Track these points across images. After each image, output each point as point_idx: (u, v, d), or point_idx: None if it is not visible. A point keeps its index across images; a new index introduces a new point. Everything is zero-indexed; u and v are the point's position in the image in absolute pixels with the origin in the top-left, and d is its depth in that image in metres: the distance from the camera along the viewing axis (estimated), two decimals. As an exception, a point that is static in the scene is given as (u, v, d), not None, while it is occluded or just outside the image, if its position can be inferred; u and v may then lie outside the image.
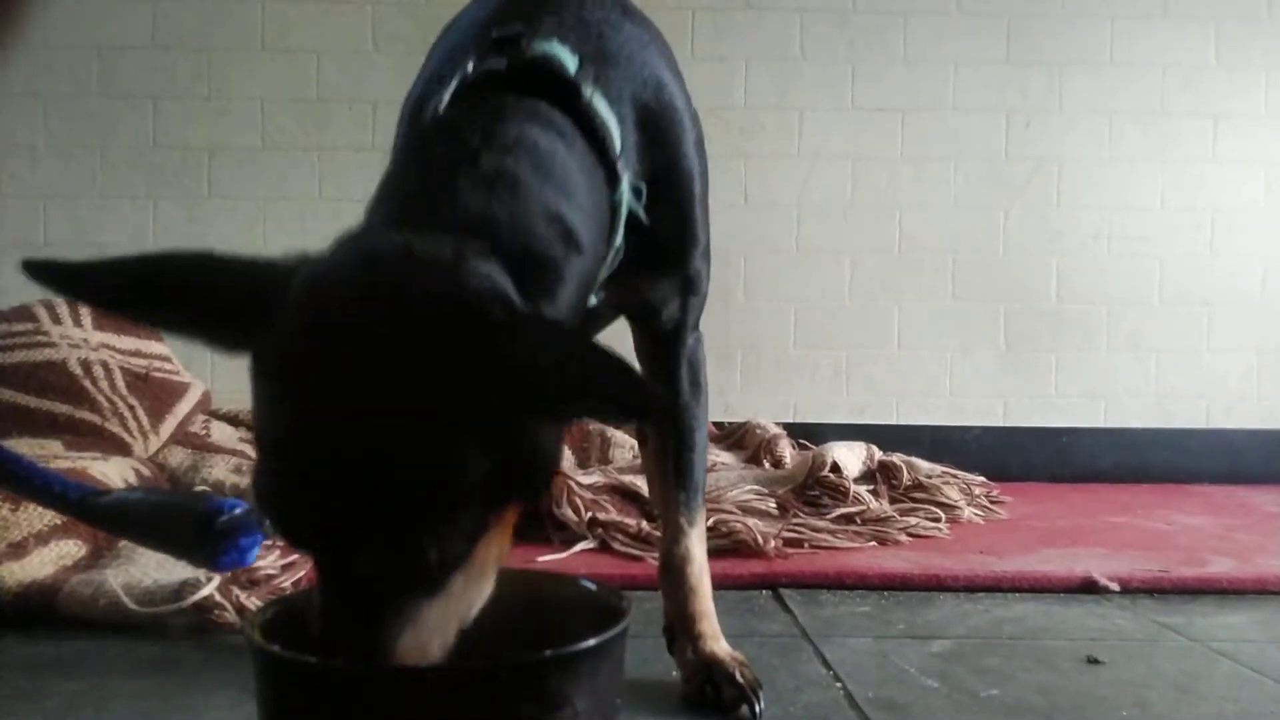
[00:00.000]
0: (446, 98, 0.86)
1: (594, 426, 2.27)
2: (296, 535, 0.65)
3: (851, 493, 1.90)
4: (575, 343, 0.66)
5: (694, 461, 1.07)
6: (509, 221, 0.73)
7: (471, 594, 0.69)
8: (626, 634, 0.65)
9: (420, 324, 0.62)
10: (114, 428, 1.92)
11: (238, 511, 0.82)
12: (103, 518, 0.88)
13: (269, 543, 1.47)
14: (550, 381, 0.62)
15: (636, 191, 0.91)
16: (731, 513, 1.72)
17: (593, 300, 0.90)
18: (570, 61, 0.88)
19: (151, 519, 0.85)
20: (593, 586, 0.75)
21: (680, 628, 1.05)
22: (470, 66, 0.87)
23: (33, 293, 2.21)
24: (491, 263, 0.67)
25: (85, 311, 2.13)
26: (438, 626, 0.66)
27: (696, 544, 1.07)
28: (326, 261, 0.67)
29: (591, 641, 0.61)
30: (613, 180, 0.87)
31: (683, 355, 1.06)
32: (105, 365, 2.03)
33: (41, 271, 0.69)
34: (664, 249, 0.98)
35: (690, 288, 1.02)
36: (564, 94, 0.86)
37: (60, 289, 0.71)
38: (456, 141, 0.79)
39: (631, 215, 0.90)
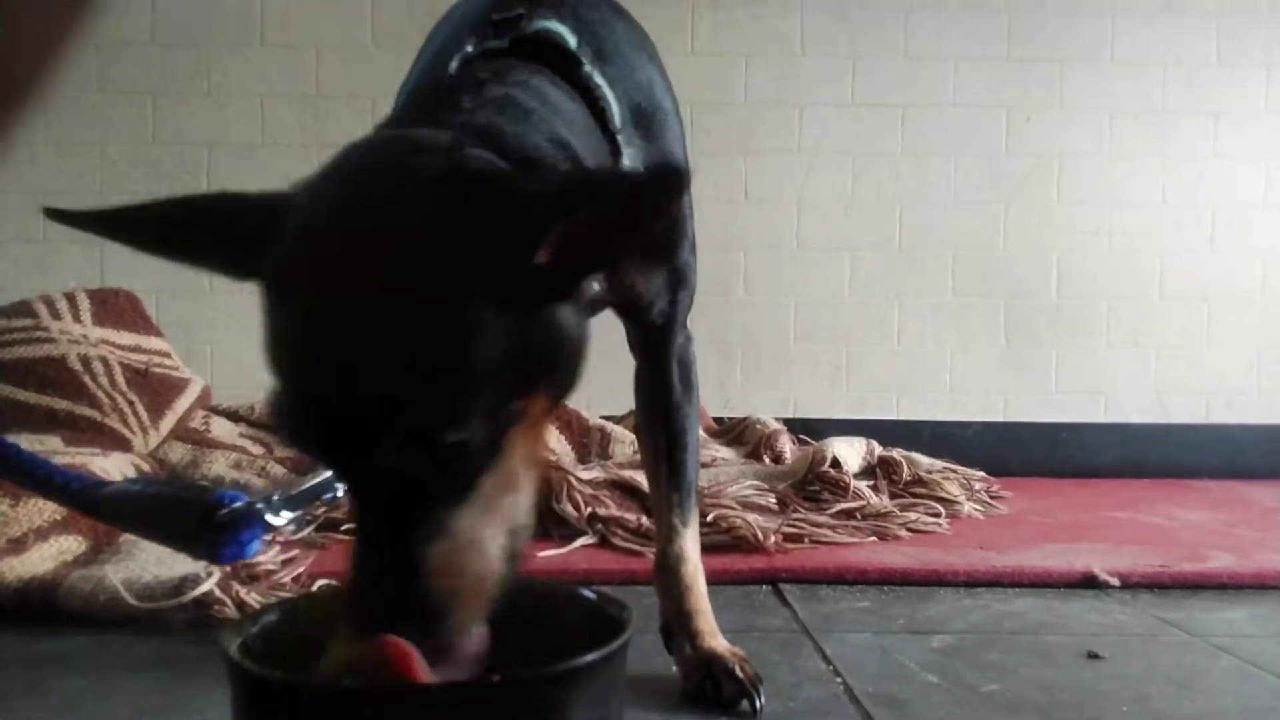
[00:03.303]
0: (452, 71, 0.85)
1: (594, 422, 2.27)
2: (315, 442, 0.63)
3: (851, 488, 1.90)
4: (570, 173, 0.66)
5: (686, 461, 1.07)
6: (515, 134, 0.73)
7: (506, 500, 0.66)
8: (628, 646, 0.64)
9: (419, 199, 0.61)
10: (114, 423, 1.92)
11: (238, 504, 0.81)
12: (104, 510, 0.88)
13: (269, 537, 1.48)
14: (551, 207, 0.60)
15: None
16: (731, 508, 1.72)
17: (595, 288, 0.90)
18: (570, 38, 0.89)
19: (152, 511, 0.84)
20: (593, 596, 0.74)
21: (678, 626, 1.06)
22: (470, 47, 0.87)
23: (32, 288, 2.21)
24: (491, 156, 0.67)
25: (85, 307, 2.13)
26: (473, 537, 0.63)
27: (690, 543, 1.07)
28: (328, 167, 0.67)
29: (591, 656, 0.60)
30: (615, 152, 0.88)
31: (673, 352, 1.07)
32: (105, 361, 2.03)
33: (64, 217, 0.69)
34: (654, 240, 0.99)
35: (680, 280, 1.03)
36: (565, 66, 0.86)
37: (86, 229, 0.70)
38: (464, 80, 0.79)
39: None
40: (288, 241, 0.63)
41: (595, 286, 0.92)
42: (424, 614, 0.61)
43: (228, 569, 1.25)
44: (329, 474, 0.85)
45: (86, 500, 0.88)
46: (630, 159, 0.90)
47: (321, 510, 1.69)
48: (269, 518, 0.81)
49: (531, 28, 0.87)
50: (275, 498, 0.84)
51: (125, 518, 0.89)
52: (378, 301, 0.59)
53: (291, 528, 0.85)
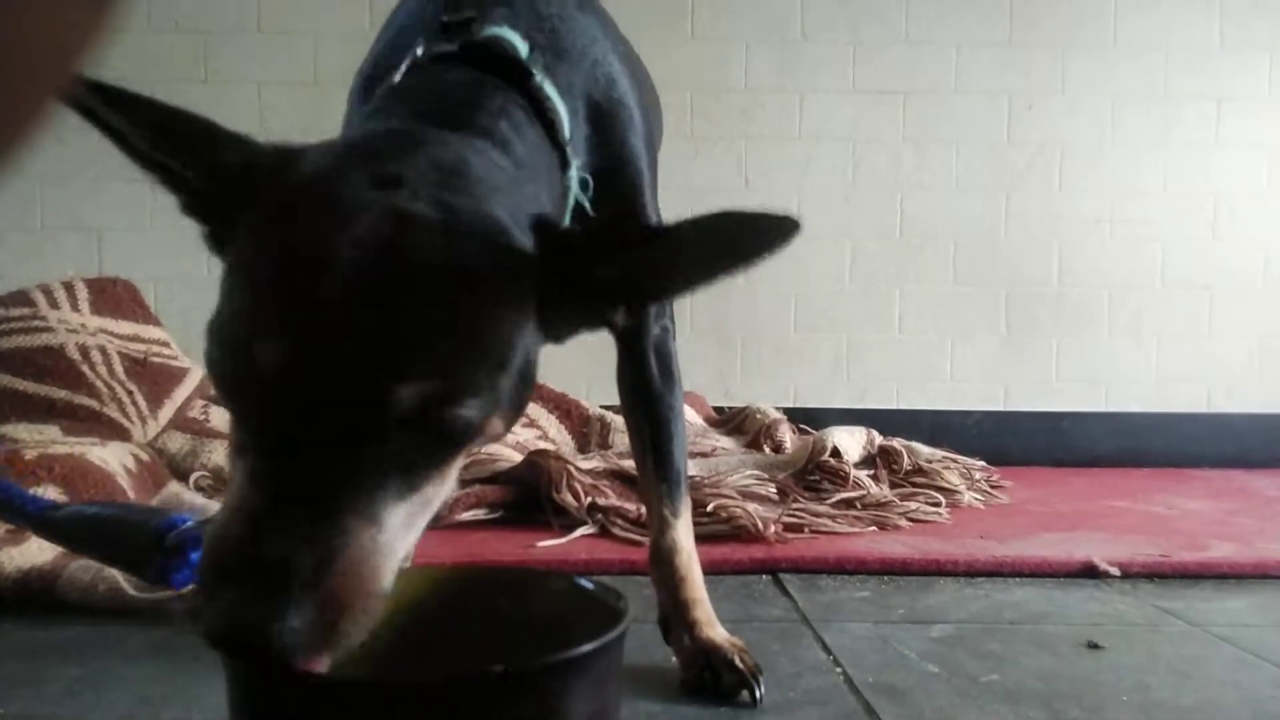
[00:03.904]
0: (398, 77, 0.85)
1: (594, 412, 2.27)
2: (288, 383, 0.55)
3: (852, 477, 1.90)
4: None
5: (673, 451, 1.07)
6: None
7: (426, 515, 0.62)
8: (625, 636, 0.64)
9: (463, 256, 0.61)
10: (112, 413, 1.92)
11: (188, 525, 0.81)
12: (60, 532, 0.87)
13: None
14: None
15: (583, 183, 0.91)
16: (731, 498, 1.72)
17: None
18: (521, 46, 0.88)
19: (103, 536, 0.84)
20: (590, 585, 0.74)
21: (675, 617, 1.05)
22: (420, 50, 0.87)
23: (31, 277, 2.20)
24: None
25: (83, 296, 2.13)
26: (392, 546, 0.58)
27: (683, 533, 1.07)
28: (291, 179, 0.64)
29: (589, 646, 0.60)
30: (564, 164, 0.87)
31: (648, 345, 1.06)
32: (103, 350, 2.02)
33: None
34: None
35: None
36: (514, 75, 0.86)
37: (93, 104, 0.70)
38: (417, 100, 0.79)
39: (578, 206, 0.91)
40: (268, 214, 0.62)
41: None
42: (301, 617, 0.53)
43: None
44: None
45: (43, 522, 0.87)
46: (578, 169, 0.89)
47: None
48: None
49: (483, 33, 0.87)
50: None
51: (79, 541, 0.88)
52: (430, 269, 0.58)
53: None
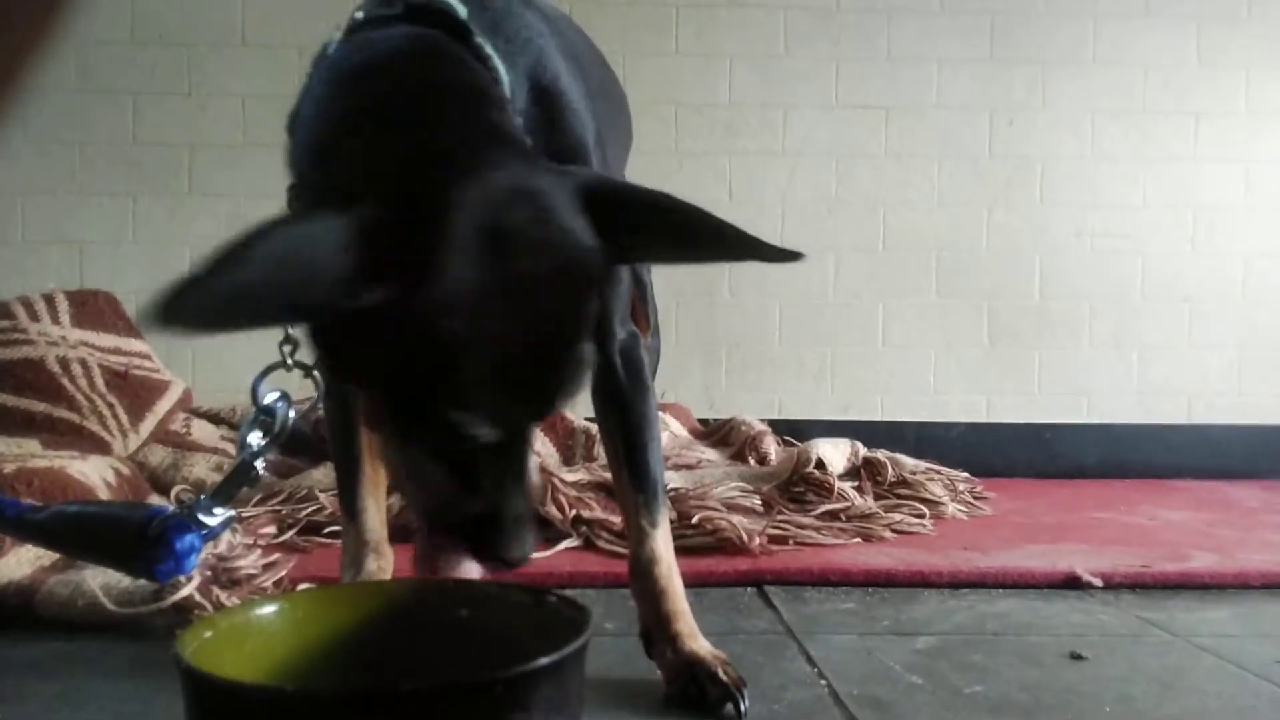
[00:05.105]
0: (338, 35, 0.88)
1: (578, 424, 2.27)
2: (518, 403, 0.74)
3: (836, 489, 1.90)
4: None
5: (647, 460, 1.05)
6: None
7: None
8: (586, 649, 0.64)
9: (565, 261, 0.74)
10: (93, 426, 1.90)
11: (169, 514, 0.80)
12: (41, 533, 0.86)
13: (249, 543, 1.47)
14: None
15: None
16: (716, 509, 1.71)
17: None
18: (461, 9, 0.89)
19: (86, 532, 0.83)
20: (553, 598, 0.74)
21: (657, 630, 1.04)
22: (360, 14, 0.89)
23: (8, 289, 2.18)
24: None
25: (64, 309, 2.11)
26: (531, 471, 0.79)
27: (662, 544, 1.05)
28: (472, 211, 0.70)
29: (547, 660, 0.59)
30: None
31: (614, 351, 1.04)
32: (84, 363, 2.01)
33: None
34: None
35: (610, 276, 0.98)
36: (456, 33, 0.87)
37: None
38: (395, 60, 0.84)
39: None
40: (475, 268, 0.69)
41: None
42: (522, 535, 0.77)
43: (207, 573, 1.24)
44: (244, 461, 0.85)
45: (22, 525, 0.86)
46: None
47: (300, 507, 1.68)
48: (202, 517, 0.80)
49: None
50: (204, 499, 0.83)
51: (61, 540, 0.87)
52: (556, 280, 0.73)
53: (228, 525, 0.83)
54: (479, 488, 0.76)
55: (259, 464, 0.84)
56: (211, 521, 0.82)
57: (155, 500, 1.76)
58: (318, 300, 0.65)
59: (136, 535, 0.80)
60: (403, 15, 0.88)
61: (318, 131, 0.83)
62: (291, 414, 0.86)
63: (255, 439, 0.83)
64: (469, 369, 0.70)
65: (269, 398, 0.86)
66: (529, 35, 0.96)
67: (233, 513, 0.85)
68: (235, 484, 0.84)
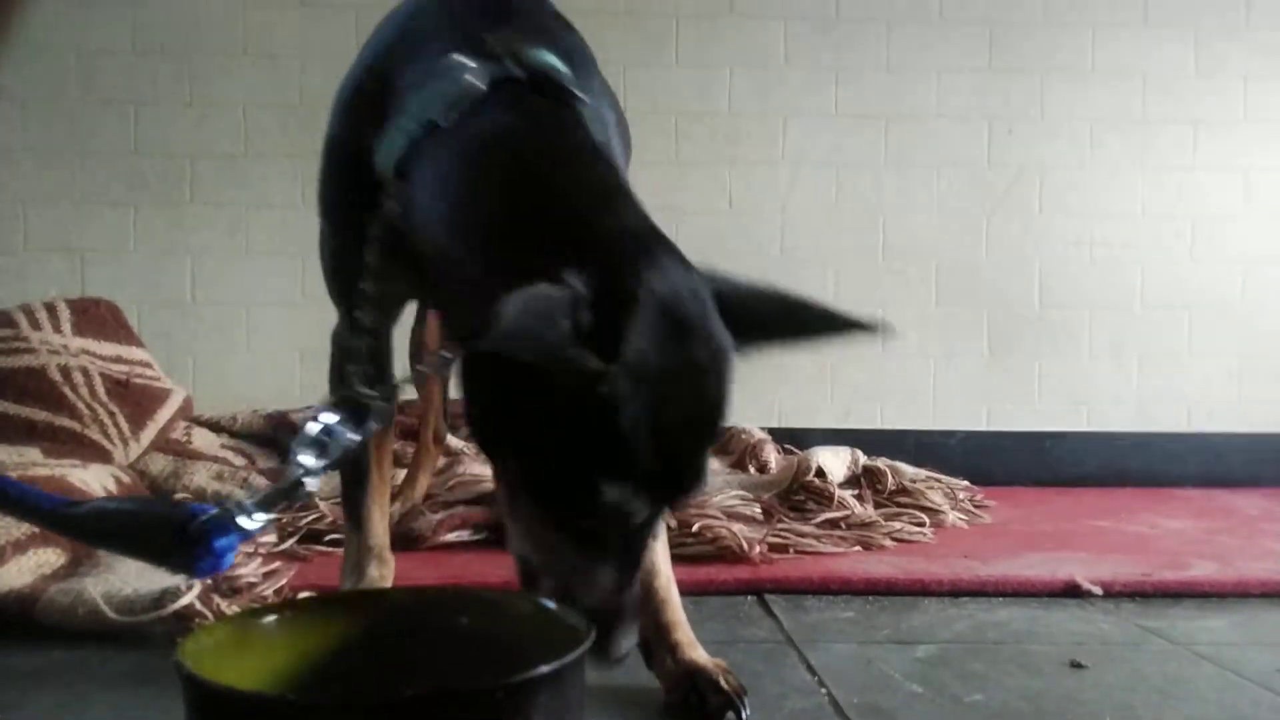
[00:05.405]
0: (477, 97, 0.86)
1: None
2: (688, 474, 0.79)
3: (836, 498, 1.90)
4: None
5: None
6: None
7: None
8: (585, 658, 0.64)
9: (722, 351, 0.81)
10: (94, 434, 1.91)
11: (210, 514, 0.80)
12: (79, 528, 0.87)
13: (249, 549, 1.47)
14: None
15: None
16: (716, 518, 1.71)
17: None
18: (564, 70, 0.90)
19: (127, 528, 0.83)
20: (553, 606, 0.74)
21: (656, 640, 1.04)
22: (473, 64, 0.87)
23: (10, 298, 2.19)
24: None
25: (65, 317, 2.12)
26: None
27: (660, 556, 1.06)
28: (658, 301, 0.75)
29: (547, 668, 0.60)
30: None
31: None
32: (85, 371, 2.01)
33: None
34: None
35: None
36: (566, 100, 0.90)
37: None
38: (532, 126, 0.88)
39: None
40: (662, 350, 0.75)
41: None
42: (630, 629, 0.81)
43: (208, 582, 1.24)
44: (299, 475, 0.85)
45: (61, 519, 0.87)
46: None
47: (300, 515, 1.68)
48: (242, 521, 0.80)
49: (533, 59, 0.89)
50: (248, 502, 0.84)
51: (102, 536, 0.88)
52: (717, 368, 0.79)
53: (268, 532, 0.84)
54: (606, 565, 0.79)
55: (310, 482, 0.84)
56: (250, 526, 0.82)
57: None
58: (550, 348, 0.71)
59: (177, 532, 0.81)
60: (527, 85, 0.89)
61: (480, 208, 0.84)
62: (352, 436, 0.86)
63: (309, 460, 0.83)
64: (640, 444, 0.73)
65: (325, 417, 0.85)
66: (592, 70, 0.99)
67: (272, 517, 0.85)
68: (282, 497, 0.84)
